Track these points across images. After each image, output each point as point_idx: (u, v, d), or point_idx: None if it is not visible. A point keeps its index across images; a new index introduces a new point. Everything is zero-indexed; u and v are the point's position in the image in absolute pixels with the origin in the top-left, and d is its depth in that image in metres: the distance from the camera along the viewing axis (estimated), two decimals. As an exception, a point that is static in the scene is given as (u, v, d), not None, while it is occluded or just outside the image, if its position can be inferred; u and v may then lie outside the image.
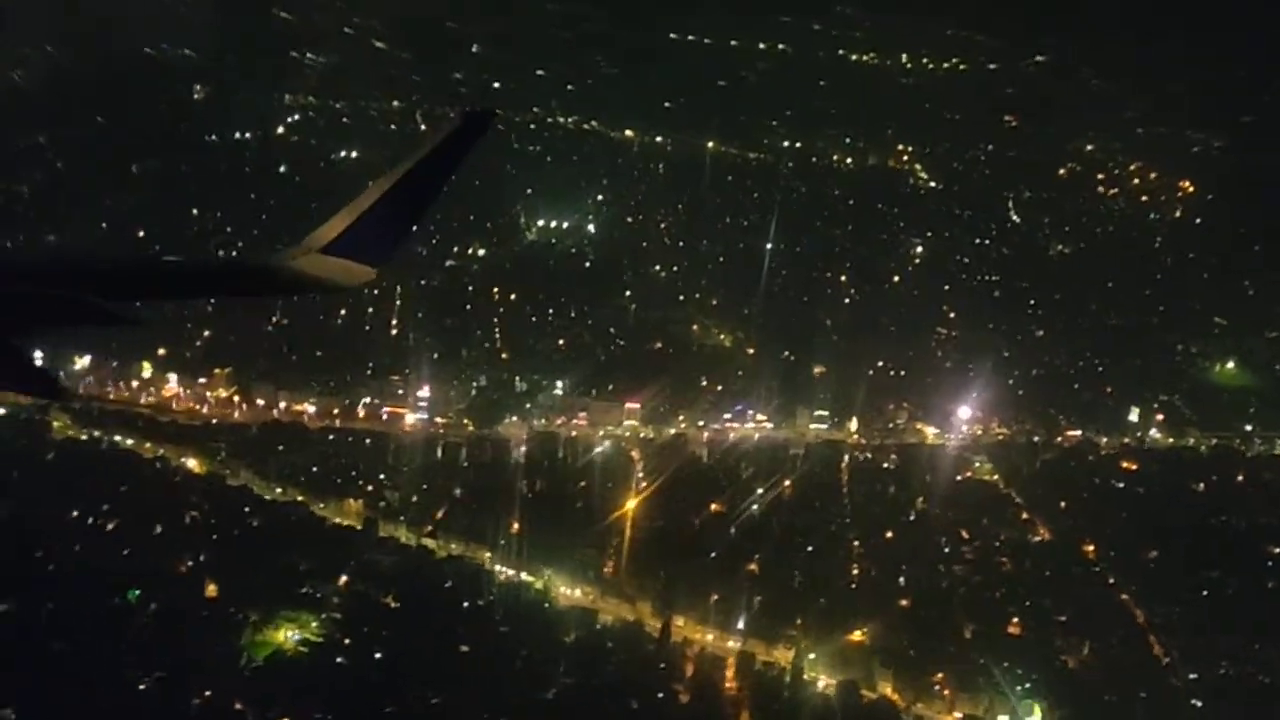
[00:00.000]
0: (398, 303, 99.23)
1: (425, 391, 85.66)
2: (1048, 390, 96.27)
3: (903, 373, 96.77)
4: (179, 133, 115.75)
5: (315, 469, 76.79)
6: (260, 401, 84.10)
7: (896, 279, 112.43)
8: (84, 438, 78.37)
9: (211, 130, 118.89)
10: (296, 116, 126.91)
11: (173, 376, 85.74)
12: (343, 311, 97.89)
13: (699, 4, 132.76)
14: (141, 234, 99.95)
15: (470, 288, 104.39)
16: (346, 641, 60.08)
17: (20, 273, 11.56)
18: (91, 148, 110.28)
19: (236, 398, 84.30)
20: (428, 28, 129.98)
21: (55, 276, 11.51)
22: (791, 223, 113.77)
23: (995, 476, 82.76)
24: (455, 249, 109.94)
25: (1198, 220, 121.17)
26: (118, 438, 79.00)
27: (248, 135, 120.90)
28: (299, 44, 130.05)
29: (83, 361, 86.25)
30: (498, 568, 68.21)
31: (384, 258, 12.83)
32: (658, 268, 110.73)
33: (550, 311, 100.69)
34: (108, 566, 63.85)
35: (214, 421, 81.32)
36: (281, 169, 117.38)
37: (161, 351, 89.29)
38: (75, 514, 68.71)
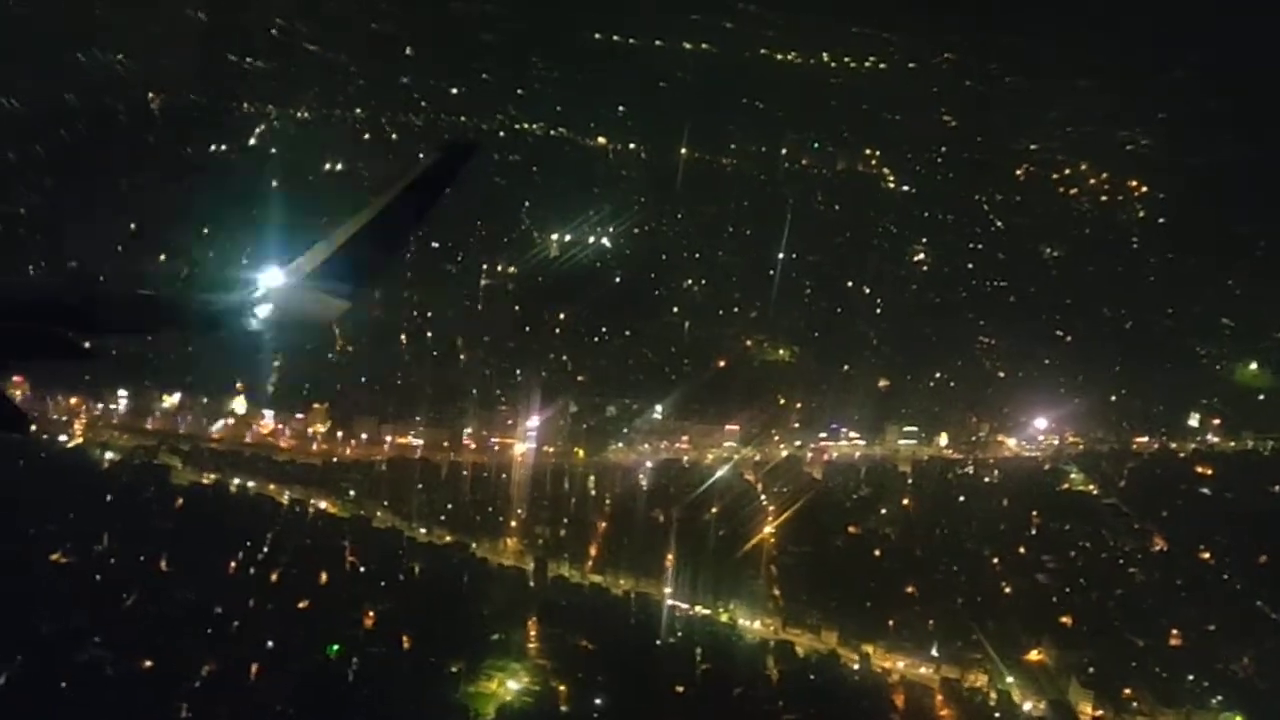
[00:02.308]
0: (453, 324, 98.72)
1: (531, 421, 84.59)
2: (1100, 397, 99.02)
3: (960, 383, 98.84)
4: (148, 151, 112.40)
5: (450, 506, 75.73)
6: (364, 435, 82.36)
7: (914, 286, 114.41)
8: (206, 481, 75.94)
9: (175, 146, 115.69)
10: (259, 127, 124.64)
11: (268, 413, 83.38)
12: (403, 339, 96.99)
13: (609, 3, 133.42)
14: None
15: (517, 308, 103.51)
16: (563, 689, 59.79)
17: None
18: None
19: (340, 433, 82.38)
20: (354, 29, 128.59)
21: (24, 310, 11.52)
22: (790, 230, 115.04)
23: (1092, 487, 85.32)
24: (484, 267, 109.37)
25: (1161, 220, 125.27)
26: (237, 480, 76.83)
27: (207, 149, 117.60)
28: (230, 49, 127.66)
29: (171, 399, 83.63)
30: (673, 602, 68.09)
31: (362, 288, 13.16)
32: (690, 282, 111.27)
33: (604, 330, 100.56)
34: (294, 621, 62.56)
35: (335, 460, 79.37)
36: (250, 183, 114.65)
37: (239, 384, 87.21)
38: (233, 565, 67.02)
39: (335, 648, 60.59)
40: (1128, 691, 63.18)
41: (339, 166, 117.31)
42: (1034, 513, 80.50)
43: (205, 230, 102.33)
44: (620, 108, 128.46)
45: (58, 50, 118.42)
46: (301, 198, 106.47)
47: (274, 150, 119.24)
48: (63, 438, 79.16)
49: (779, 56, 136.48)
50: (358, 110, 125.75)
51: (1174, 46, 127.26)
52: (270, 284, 12.37)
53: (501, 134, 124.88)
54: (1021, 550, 76.09)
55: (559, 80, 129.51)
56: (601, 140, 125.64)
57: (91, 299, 13.12)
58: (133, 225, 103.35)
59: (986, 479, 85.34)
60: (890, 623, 67.43)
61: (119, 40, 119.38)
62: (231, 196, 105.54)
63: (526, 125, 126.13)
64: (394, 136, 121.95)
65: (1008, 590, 71.59)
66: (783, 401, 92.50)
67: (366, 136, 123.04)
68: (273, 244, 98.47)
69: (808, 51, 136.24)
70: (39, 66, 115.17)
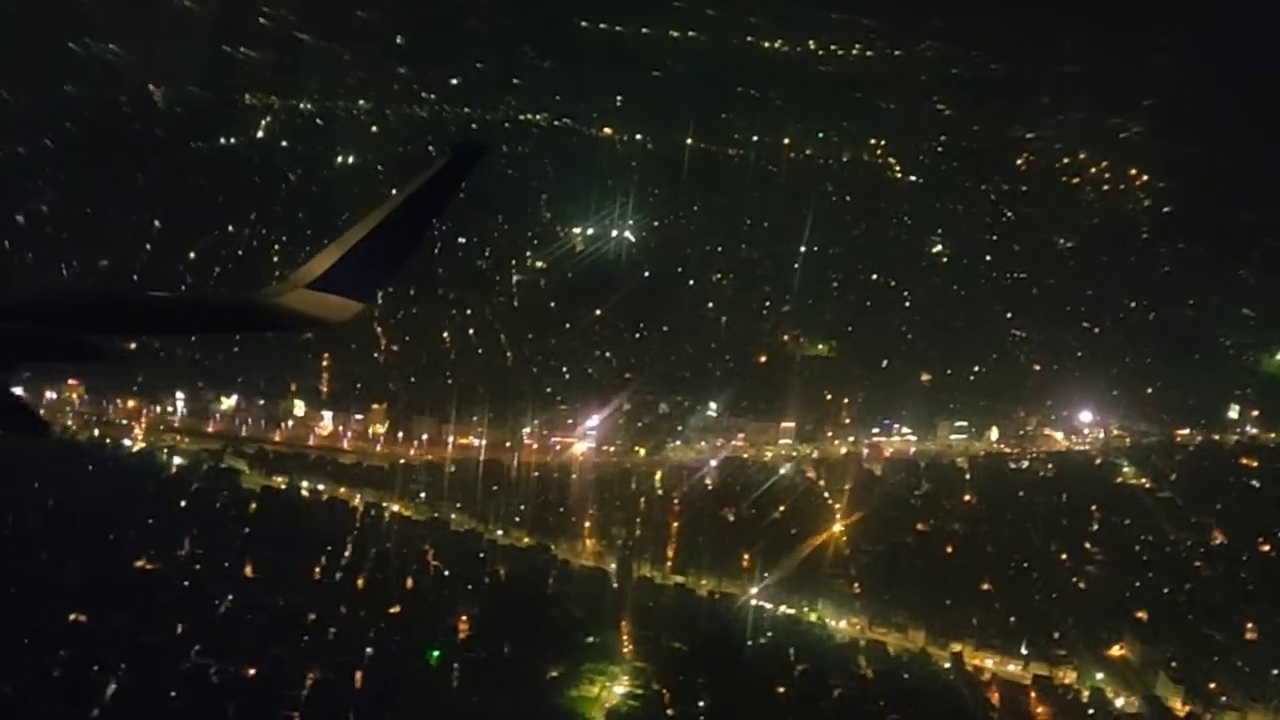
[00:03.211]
0: (494, 321, 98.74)
1: (588, 420, 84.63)
2: (1135, 389, 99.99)
3: (998, 376, 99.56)
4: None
5: (523, 507, 75.72)
6: (425, 436, 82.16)
7: (936, 278, 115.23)
8: (277, 485, 75.59)
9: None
10: (267, 119, 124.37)
11: (326, 414, 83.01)
12: (445, 335, 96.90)
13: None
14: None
15: (552, 304, 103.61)
16: (666, 694, 60.01)
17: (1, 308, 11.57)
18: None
19: (400, 434, 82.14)
20: (339, 17, 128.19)
21: (37, 312, 11.73)
22: (807, 222, 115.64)
23: (1144, 480, 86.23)
24: (514, 262, 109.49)
25: (1166, 210, 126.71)
26: (305, 483, 76.46)
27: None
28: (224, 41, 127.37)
29: (229, 402, 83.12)
30: (758, 603, 68.44)
31: (371, 293, 13.11)
32: (719, 276, 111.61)
33: (642, 326, 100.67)
34: (388, 627, 62.51)
35: (401, 461, 79.10)
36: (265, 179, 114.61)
37: (293, 386, 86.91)
38: (318, 571, 66.85)
39: (436, 653, 60.12)
40: (1213, 686, 63.64)
41: (346, 160, 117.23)
42: (1093, 507, 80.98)
43: (213, 230, 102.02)
44: (619, 98, 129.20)
45: (67, 46, 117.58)
46: (307, 194, 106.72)
47: (277, 144, 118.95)
48: (126, 442, 78.20)
49: (766, 45, 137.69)
50: (361, 102, 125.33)
51: (1146, 31, 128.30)
52: (282, 287, 12.51)
53: (507, 125, 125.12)
54: (1087, 545, 76.65)
55: (553, 70, 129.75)
56: (608, 131, 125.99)
57: (100, 301, 13.33)
58: (149, 223, 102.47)
59: (1042, 473, 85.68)
60: (974, 621, 67.49)
61: (122, 34, 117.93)
62: (235, 194, 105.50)
63: (531, 116, 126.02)
64: (397, 128, 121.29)
65: (1081, 586, 72.21)
66: (829, 397, 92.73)
67: (374, 129, 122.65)
68: (282, 244, 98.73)
69: (793, 39, 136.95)
70: (49, 63, 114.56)
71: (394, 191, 12.82)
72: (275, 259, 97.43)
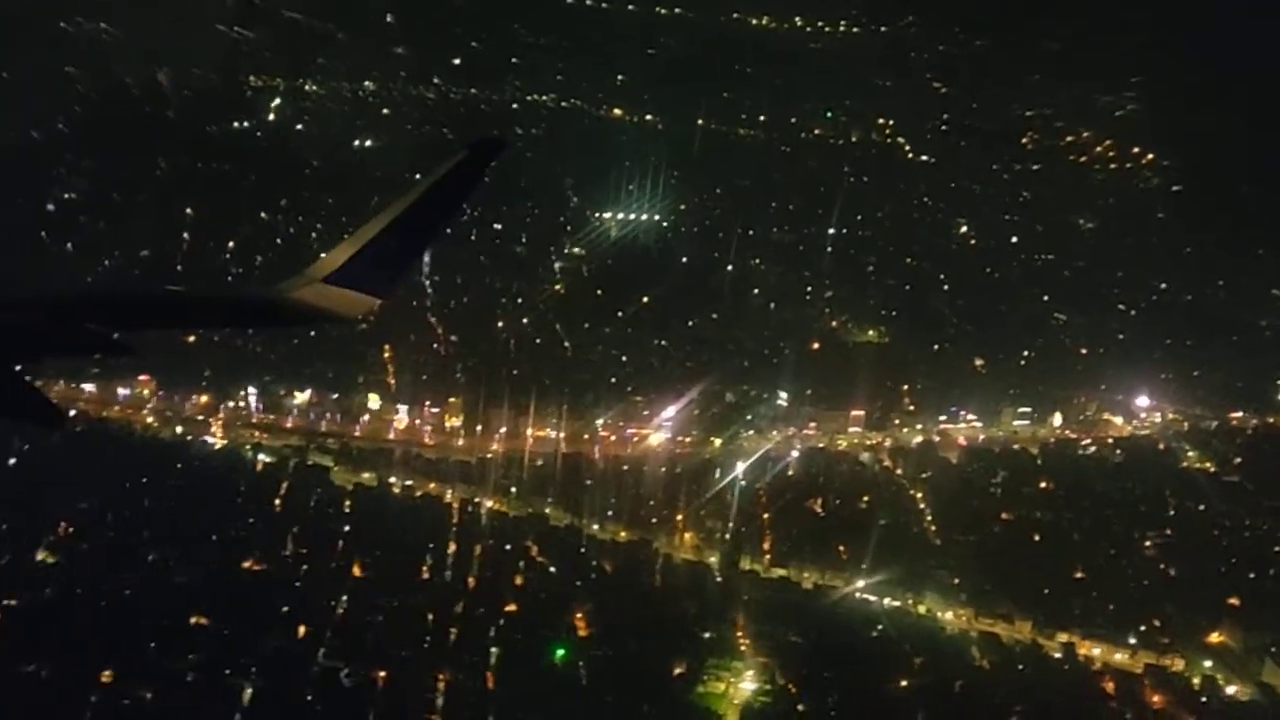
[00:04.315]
0: (545, 310, 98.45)
1: (662, 410, 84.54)
2: (1182, 371, 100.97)
3: (1049, 361, 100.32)
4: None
5: (614, 500, 75.66)
6: (503, 429, 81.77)
7: (968, 260, 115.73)
8: (367, 482, 75.00)
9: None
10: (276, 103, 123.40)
11: (402, 408, 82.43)
12: (499, 323, 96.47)
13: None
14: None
15: (599, 291, 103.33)
16: (793, 689, 60.24)
17: (20, 302, 11.89)
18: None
19: (478, 427, 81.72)
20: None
21: (57, 305, 11.94)
22: (831, 204, 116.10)
23: (1209, 464, 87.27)
24: (551, 249, 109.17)
25: (1175, 189, 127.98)
26: (394, 479, 75.88)
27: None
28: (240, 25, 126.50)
29: (303, 396, 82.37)
30: (863, 595, 68.80)
31: (388, 288, 13.19)
32: (758, 261, 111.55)
33: (692, 313, 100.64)
34: (507, 626, 62.37)
35: (487, 455, 78.71)
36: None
37: (361, 379, 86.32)
38: (426, 570, 66.52)
39: (561, 652, 59.97)
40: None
41: (364, 144, 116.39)
42: (1167, 492, 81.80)
43: (243, 218, 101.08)
44: (619, 77, 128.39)
45: (60, 27, 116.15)
46: (329, 180, 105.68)
47: (291, 128, 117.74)
48: (208, 439, 77.28)
49: (753, 21, 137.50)
50: (367, 84, 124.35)
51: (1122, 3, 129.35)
52: (298, 282, 12.68)
53: (515, 106, 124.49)
54: (1168, 531, 77.45)
55: (549, 49, 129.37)
56: (618, 113, 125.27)
57: (117, 295, 13.46)
58: (178, 212, 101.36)
59: (1111, 460, 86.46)
60: (1076, 610, 68.14)
61: (117, 15, 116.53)
62: (258, 180, 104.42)
63: (538, 98, 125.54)
64: (408, 111, 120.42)
65: (1171, 573, 72.91)
66: (889, 384, 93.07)
67: (385, 112, 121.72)
68: (316, 231, 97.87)
69: (779, 15, 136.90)
70: (46, 44, 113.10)
71: (416, 178, 12.88)
72: (309, 246, 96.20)
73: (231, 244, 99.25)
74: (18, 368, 10.96)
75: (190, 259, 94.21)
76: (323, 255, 12.97)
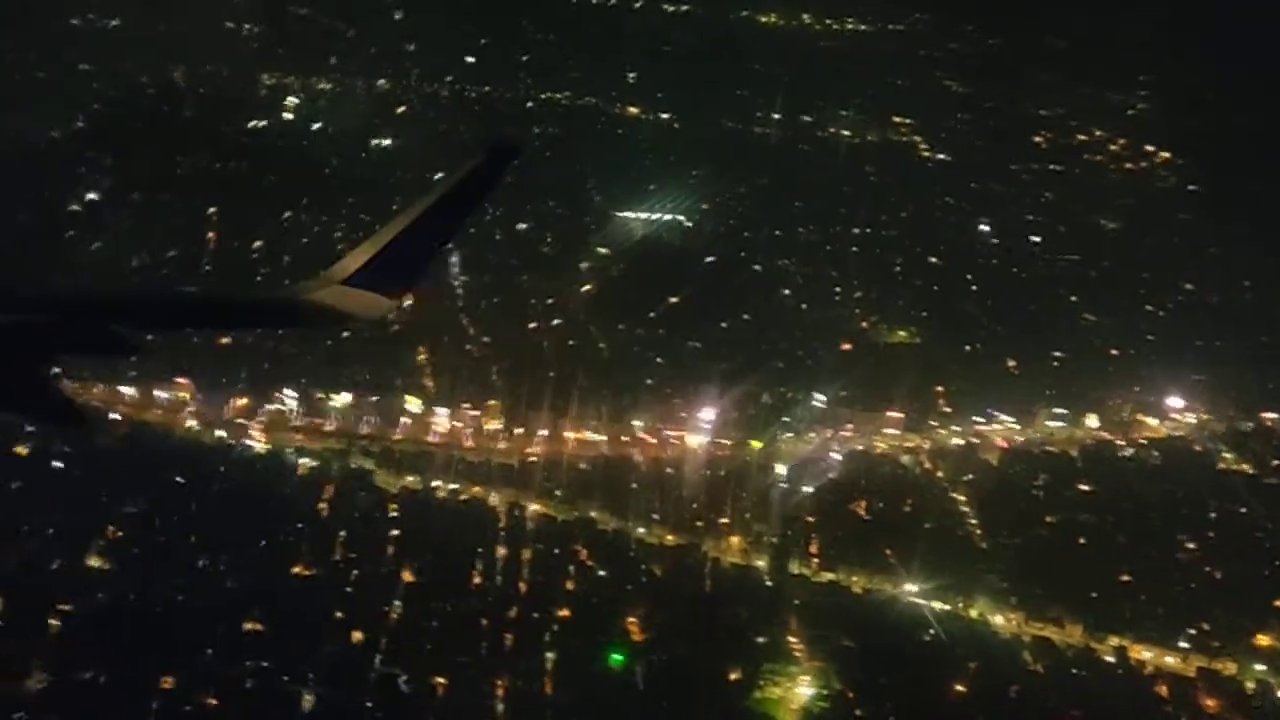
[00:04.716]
0: (575, 310, 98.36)
1: (701, 412, 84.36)
2: (1213, 373, 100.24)
3: (1080, 361, 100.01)
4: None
5: (658, 503, 75.46)
6: (543, 431, 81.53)
7: (993, 260, 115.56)
8: (411, 486, 74.81)
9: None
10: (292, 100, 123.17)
11: (441, 411, 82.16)
12: (532, 324, 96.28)
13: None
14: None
15: (628, 291, 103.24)
16: (850, 694, 60.15)
17: (40, 302, 12.04)
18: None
19: (518, 429, 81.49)
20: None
21: (75, 306, 12.04)
22: (853, 203, 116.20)
23: (1246, 466, 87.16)
24: (578, 249, 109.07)
25: (1190, 188, 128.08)
26: (438, 482, 75.63)
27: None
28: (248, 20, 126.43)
29: (342, 399, 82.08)
30: (914, 600, 68.69)
31: (405, 290, 13.38)
32: (785, 261, 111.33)
33: (723, 314, 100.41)
34: (562, 631, 62.33)
35: (530, 458, 78.46)
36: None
37: (399, 381, 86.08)
38: (477, 575, 66.33)
39: (617, 657, 59.82)
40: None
41: (383, 143, 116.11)
42: (1206, 495, 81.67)
43: (270, 217, 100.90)
44: (631, 74, 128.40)
45: (69, 22, 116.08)
46: (353, 178, 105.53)
47: (309, 126, 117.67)
48: (248, 442, 76.99)
49: (761, 19, 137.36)
50: (381, 81, 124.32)
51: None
52: (316, 284, 12.89)
53: (530, 105, 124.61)
54: (1210, 534, 77.22)
55: (556, 45, 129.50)
56: (634, 111, 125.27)
57: (135, 296, 13.77)
58: (203, 210, 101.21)
59: (1149, 462, 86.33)
60: (1125, 613, 68.07)
61: (123, 8, 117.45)
62: (282, 179, 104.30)
63: (554, 95, 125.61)
64: (424, 109, 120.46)
65: (1216, 575, 72.74)
66: (923, 385, 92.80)
67: (400, 110, 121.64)
68: (341, 229, 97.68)
69: (786, 12, 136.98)
70: (55, 39, 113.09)
71: (437, 177, 12.92)
72: (337, 245, 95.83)
73: (255, 244, 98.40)
74: (39, 368, 11.04)
75: (215, 258, 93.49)
76: (341, 257, 13.14)
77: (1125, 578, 72.46)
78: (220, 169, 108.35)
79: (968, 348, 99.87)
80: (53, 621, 57.14)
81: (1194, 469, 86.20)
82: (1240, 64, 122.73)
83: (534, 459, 78.76)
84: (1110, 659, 65.78)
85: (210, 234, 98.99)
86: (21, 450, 69.42)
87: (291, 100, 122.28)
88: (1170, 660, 66.18)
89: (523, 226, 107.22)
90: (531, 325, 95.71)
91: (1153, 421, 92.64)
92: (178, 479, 69.96)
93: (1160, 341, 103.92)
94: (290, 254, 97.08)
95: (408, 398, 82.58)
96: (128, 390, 79.16)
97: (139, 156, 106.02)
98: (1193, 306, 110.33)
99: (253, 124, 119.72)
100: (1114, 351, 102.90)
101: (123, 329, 11.54)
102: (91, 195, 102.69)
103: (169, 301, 13.93)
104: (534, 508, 73.35)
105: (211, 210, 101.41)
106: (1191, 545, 76.43)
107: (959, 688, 60.98)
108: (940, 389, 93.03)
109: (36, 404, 11.33)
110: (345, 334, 79.70)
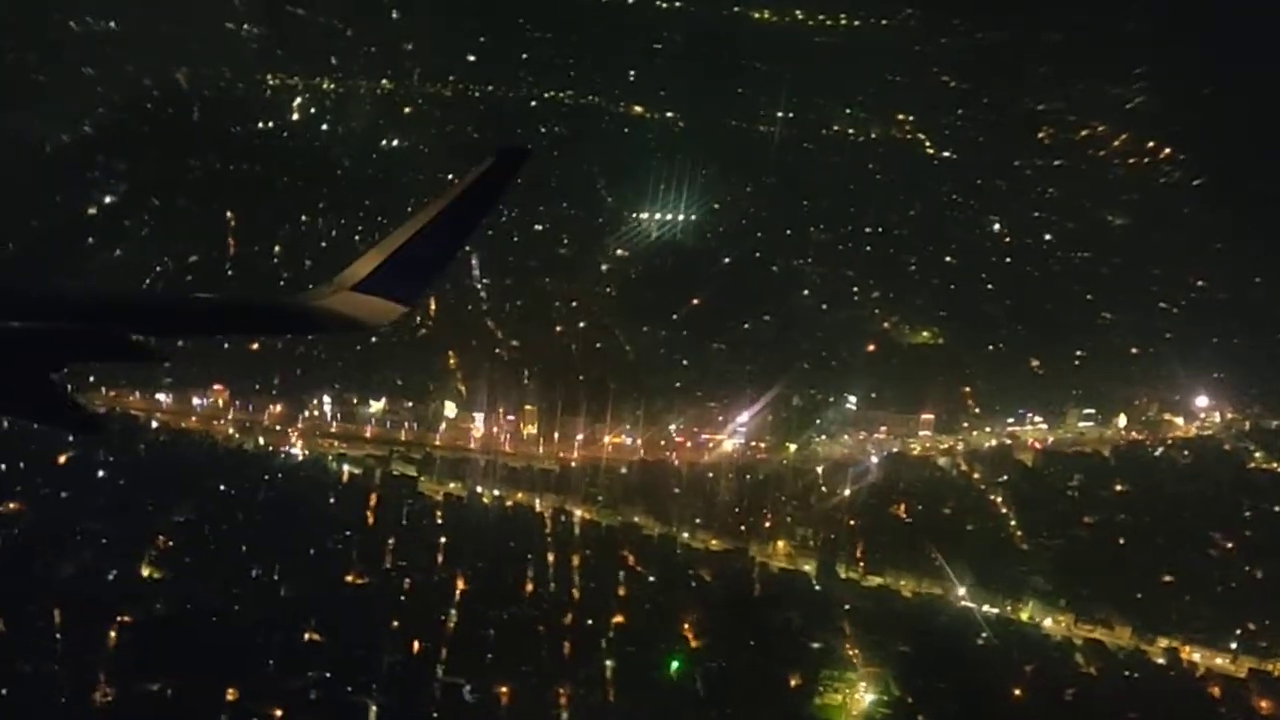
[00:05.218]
0: (599, 313, 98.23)
1: (736, 416, 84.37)
2: (1234, 370, 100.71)
3: (1103, 361, 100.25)
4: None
5: (701, 506, 75.50)
6: (580, 436, 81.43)
7: (1007, 259, 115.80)
8: (456, 492, 74.60)
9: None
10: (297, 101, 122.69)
11: (478, 415, 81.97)
12: (558, 327, 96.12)
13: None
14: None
15: (649, 293, 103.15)
16: (910, 699, 60.22)
17: (51, 308, 11.96)
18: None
19: (556, 434, 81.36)
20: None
21: (86, 312, 11.99)
22: (864, 201, 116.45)
23: (1276, 464, 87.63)
24: (595, 250, 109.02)
25: (1195, 183, 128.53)
26: (482, 488, 75.45)
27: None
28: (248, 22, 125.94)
29: (378, 404, 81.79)
30: (965, 603, 68.84)
31: (415, 296, 13.37)
32: (801, 261, 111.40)
33: (745, 315, 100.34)
34: (618, 637, 62.11)
35: (572, 464, 78.34)
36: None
37: (431, 386, 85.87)
38: (530, 581, 66.20)
39: (676, 664, 59.75)
40: None
41: (391, 144, 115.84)
42: (1239, 494, 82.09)
43: (283, 221, 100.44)
44: (630, 72, 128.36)
45: (69, 27, 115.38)
46: (364, 180, 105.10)
47: (316, 127, 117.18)
48: (288, 449, 76.60)
49: (755, 15, 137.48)
50: (385, 82, 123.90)
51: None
52: (326, 290, 12.85)
53: (534, 104, 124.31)
54: (1247, 533, 77.60)
55: (555, 43, 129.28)
56: (639, 110, 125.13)
57: (146, 302, 13.85)
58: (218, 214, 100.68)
59: (1180, 461, 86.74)
60: (1172, 615, 68.35)
61: (123, 11, 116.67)
62: (292, 181, 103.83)
63: (557, 95, 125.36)
64: (429, 110, 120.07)
65: (1257, 575, 73.07)
66: (951, 386, 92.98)
67: (406, 110, 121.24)
68: (359, 233, 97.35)
69: (780, 9, 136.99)
70: (58, 43, 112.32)
71: (450, 178, 12.87)
72: (353, 248, 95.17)
73: (269, 248, 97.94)
74: (52, 374, 10.95)
75: (235, 263, 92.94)
76: (351, 263, 12.99)
77: (1167, 578, 72.71)
78: (231, 172, 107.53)
79: (991, 348, 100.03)
80: (113, 633, 56.35)
81: (1225, 468, 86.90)
82: (1237, 57, 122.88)
83: (574, 463, 78.43)
84: (1161, 661, 65.85)
85: (222, 238, 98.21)
86: (62, 459, 68.70)
87: (297, 101, 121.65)
88: (1220, 661, 66.27)
89: (539, 228, 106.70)
90: (558, 329, 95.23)
91: (1180, 420, 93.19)
92: (222, 487, 69.14)
93: (1178, 339, 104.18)
94: (304, 258, 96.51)
95: (445, 402, 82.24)
96: (164, 397, 78.58)
97: (148, 160, 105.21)
98: (1206, 303, 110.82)
99: (260, 125, 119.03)
100: (1134, 350, 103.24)
101: (137, 335, 11.56)
102: (105, 199, 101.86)
103: (179, 307, 13.73)
104: (579, 513, 73.04)
105: (222, 214, 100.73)
106: (1229, 545, 76.57)
107: (1016, 691, 60.81)
108: (968, 390, 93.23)
109: (50, 410, 11.27)
110: (373, 338, 79.37)
